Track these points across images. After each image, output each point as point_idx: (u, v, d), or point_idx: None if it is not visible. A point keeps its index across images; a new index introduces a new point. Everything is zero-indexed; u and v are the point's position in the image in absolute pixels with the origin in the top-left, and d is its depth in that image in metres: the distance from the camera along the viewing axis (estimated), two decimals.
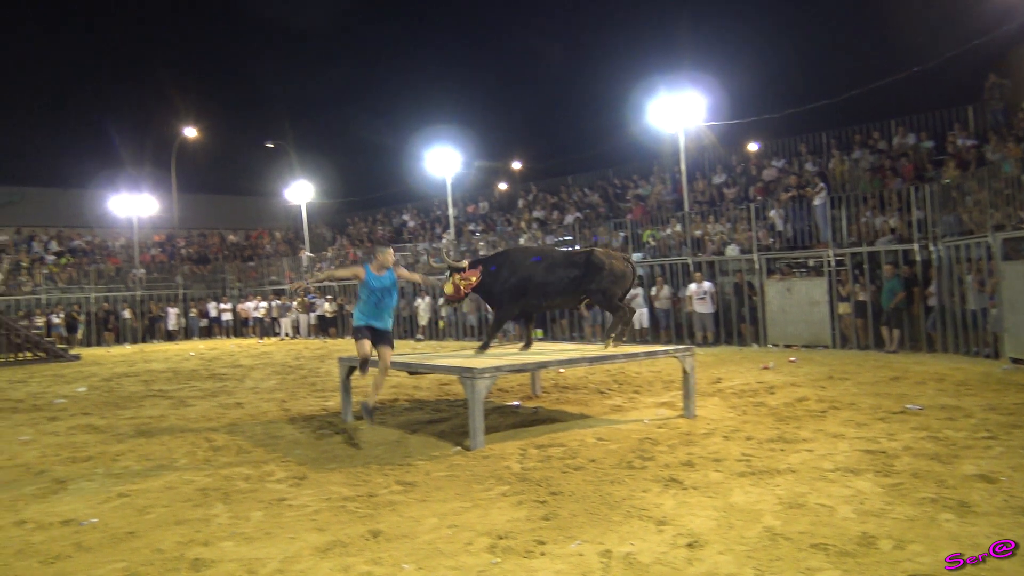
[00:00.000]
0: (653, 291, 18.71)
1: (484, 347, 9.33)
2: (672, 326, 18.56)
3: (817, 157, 21.26)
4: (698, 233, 19.25)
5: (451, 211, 28.52)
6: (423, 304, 24.41)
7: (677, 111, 20.39)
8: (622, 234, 21.18)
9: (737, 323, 17.72)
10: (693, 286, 17.79)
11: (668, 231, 20.12)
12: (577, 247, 20.22)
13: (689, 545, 4.48)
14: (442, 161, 28.07)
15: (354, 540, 4.84)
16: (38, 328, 25.13)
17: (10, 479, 6.90)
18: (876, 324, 15.28)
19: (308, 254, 32.82)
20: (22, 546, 4.98)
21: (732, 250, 18.29)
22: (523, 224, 26.24)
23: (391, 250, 7.98)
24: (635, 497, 5.51)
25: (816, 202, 17.00)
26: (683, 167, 20.77)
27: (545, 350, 9.55)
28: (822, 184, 17.20)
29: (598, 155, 32.83)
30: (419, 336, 24.19)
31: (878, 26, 29.74)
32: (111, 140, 42.87)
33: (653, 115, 21.06)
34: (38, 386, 14.90)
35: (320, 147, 46.33)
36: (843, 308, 15.88)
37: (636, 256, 20.44)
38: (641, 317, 18.83)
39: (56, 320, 27.54)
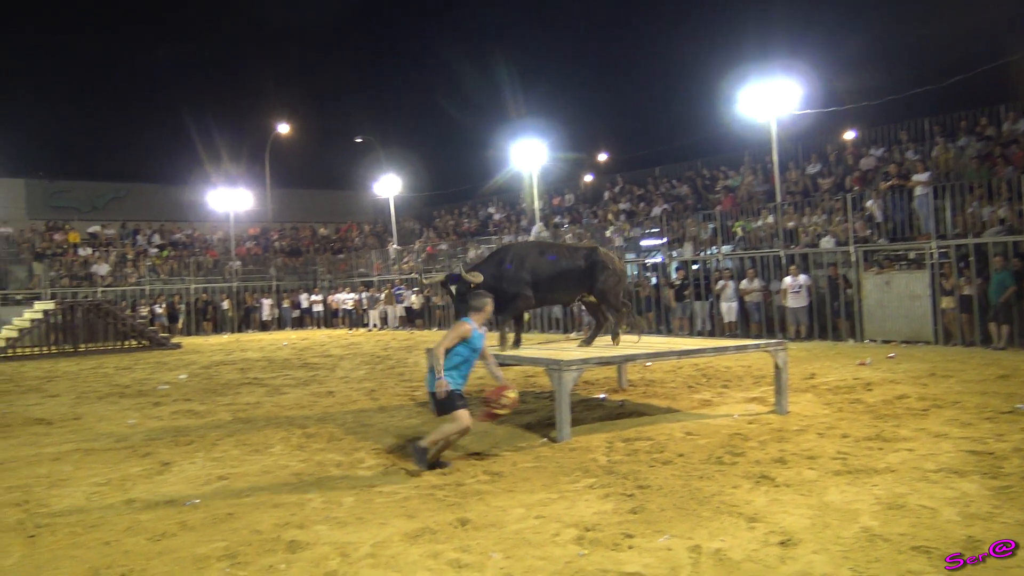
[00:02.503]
0: (744, 284, 18.28)
1: (516, 342, 9.17)
2: (763, 320, 18.10)
3: (919, 145, 20.32)
4: (791, 225, 18.69)
5: (536, 204, 28.51)
6: None
7: (769, 99, 19.81)
8: (711, 226, 20.76)
9: (832, 317, 17.14)
10: (788, 279, 17.29)
11: (759, 223, 19.61)
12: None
13: (782, 543, 4.37)
14: (527, 154, 28.08)
15: (443, 527, 4.91)
16: (142, 318, 26.40)
17: (119, 460, 7.29)
18: (983, 319, 14.52)
19: (396, 247, 33.42)
20: (131, 523, 5.26)
21: (827, 242, 17.69)
22: (609, 216, 26.02)
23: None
24: (725, 493, 5.41)
25: (918, 192, 16.26)
26: (775, 157, 20.17)
27: (632, 343, 9.47)
28: (925, 173, 16.44)
29: (687, 145, 32.25)
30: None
31: (985, 6, 28.14)
32: (210, 138, 44.68)
33: (744, 104, 20.52)
34: (142, 373, 15.69)
35: (407, 141, 47.18)
36: (946, 302, 15.15)
37: (725, 248, 20.02)
38: (730, 310, 18.44)
39: (159, 310, 28.89)
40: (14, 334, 21.13)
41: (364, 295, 31.00)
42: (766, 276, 18.44)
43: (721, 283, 18.73)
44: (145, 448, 7.80)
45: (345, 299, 31.60)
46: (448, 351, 6.34)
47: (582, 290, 9.20)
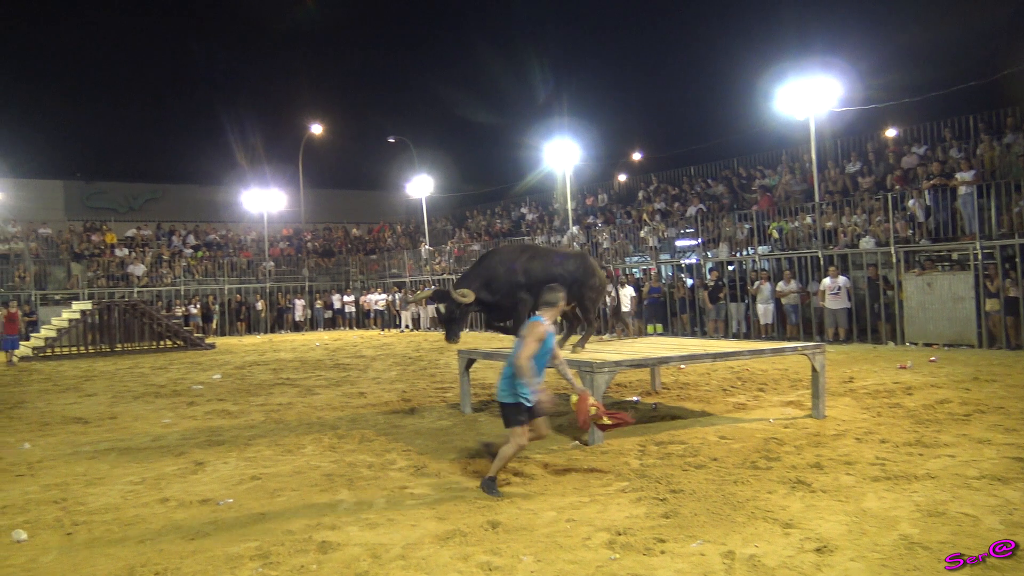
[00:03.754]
0: (780, 285, 18.02)
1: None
2: (800, 322, 17.83)
3: (963, 142, 19.84)
4: (829, 225, 18.38)
5: (569, 204, 28.42)
6: None
7: (808, 96, 19.49)
8: (747, 226, 20.51)
9: (871, 320, 16.82)
10: (827, 280, 17.00)
11: (796, 223, 19.32)
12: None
13: (818, 550, 4.31)
14: (560, 153, 28.00)
15: (473, 530, 4.90)
16: (177, 318, 26.75)
17: (154, 459, 7.40)
18: None
19: (428, 247, 33.54)
20: (166, 522, 5.34)
21: (867, 242, 17.37)
22: (644, 216, 25.85)
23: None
24: (760, 498, 5.34)
25: (962, 191, 15.89)
26: (813, 155, 19.85)
27: (666, 345, 9.37)
28: (969, 171, 16.05)
29: (723, 144, 31.77)
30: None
31: None
32: (244, 138, 45.25)
33: (782, 101, 20.21)
34: (177, 372, 15.92)
35: (440, 141, 47.29)
36: (991, 305, 14.78)
37: (762, 249, 19.76)
38: (766, 312, 18.20)
39: (193, 310, 29.29)
40: (53, 334, 21.55)
41: (396, 296, 31.16)
42: (803, 277, 18.17)
43: (757, 284, 18.49)
44: (180, 447, 7.91)
45: (377, 300, 31.79)
46: (531, 358, 5.68)
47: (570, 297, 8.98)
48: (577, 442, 7.38)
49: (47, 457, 7.65)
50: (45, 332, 21.94)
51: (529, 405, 5.76)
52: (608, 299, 9.70)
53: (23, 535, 5.08)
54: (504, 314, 8.77)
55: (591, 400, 6.25)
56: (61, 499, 5.98)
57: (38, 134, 40.48)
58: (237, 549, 4.71)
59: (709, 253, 21.31)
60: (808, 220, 18.97)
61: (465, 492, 5.80)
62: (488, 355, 9.86)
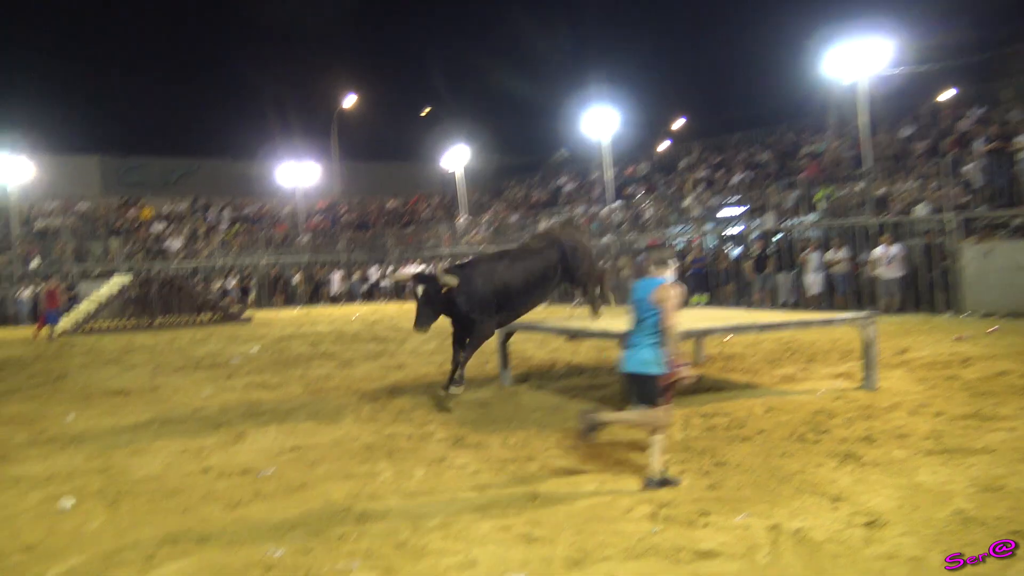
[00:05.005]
0: (830, 254, 17.56)
1: (456, 382, 7.98)
2: (850, 292, 17.38)
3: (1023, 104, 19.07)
4: (881, 192, 17.83)
5: (608, 173, 28.05)
6: None
7: (857, 58, 18.86)
8: (794, 194, 20.03)
9: (926, 289, 16.32)
10: (879, 249, 16.49)
11: (846, 190, 18.78)
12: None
13: (868, 524, 4.21)
14: (599, 121, 27.60)
15: (513, 502, 4.87)
16: (215, 292, 27.11)
17: (195, 431, 7.47)
18: None
19: (465, 219, 33.45)
20: (207, 492, 5.38)
21: (921, 209, 16.81)
22: (687, 185, 25.43)
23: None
24: (807, 472, 5.22)
25: (1022, 155, 15.26)
26: (864, 119, 19.24)
27: (710, 316, 9.17)
28: None
29: (769, 110, 30.94)
30: (577, 301, 24.09)
31: None
32: (278, 111, 45.45)
33: (830, 64, 19.61)
34: (216, 345, 16.11)
35: (476, 111, 46.75)
36: None
37: (810, 217, 19.28)
38: (815, 282, 17.78)
39: (230, 284, 29.69)
40: (93, 308, 21.96)
41: (433, 268, 31.17)
42: (854, 246, 17.66)
43: (805, 254, 18.05)
44: (220, 419, 7.98)
45: (414, 272, 31.80)
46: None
47: (560, 282, 8.78)
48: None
49: (91, 428, 7.79)
50: (85, 306, 22.29)
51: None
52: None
53: (70, 503, 5.17)
54: (464, 330, 8.20)
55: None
56: (105, 468, 6.07)
57: (74, 110, 41.13)
58: (278, 519, 4.73)
59: (754, 222, 20.88)
60: (858, 187, 18.43)
61: (504, 464, 5.75)
62: (528, 327, 9.78)
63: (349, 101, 40.27)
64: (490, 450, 6.19)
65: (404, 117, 46.70)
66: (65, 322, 20.84)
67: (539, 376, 9.86)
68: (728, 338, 12.45)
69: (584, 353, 11.79)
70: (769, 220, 20.34)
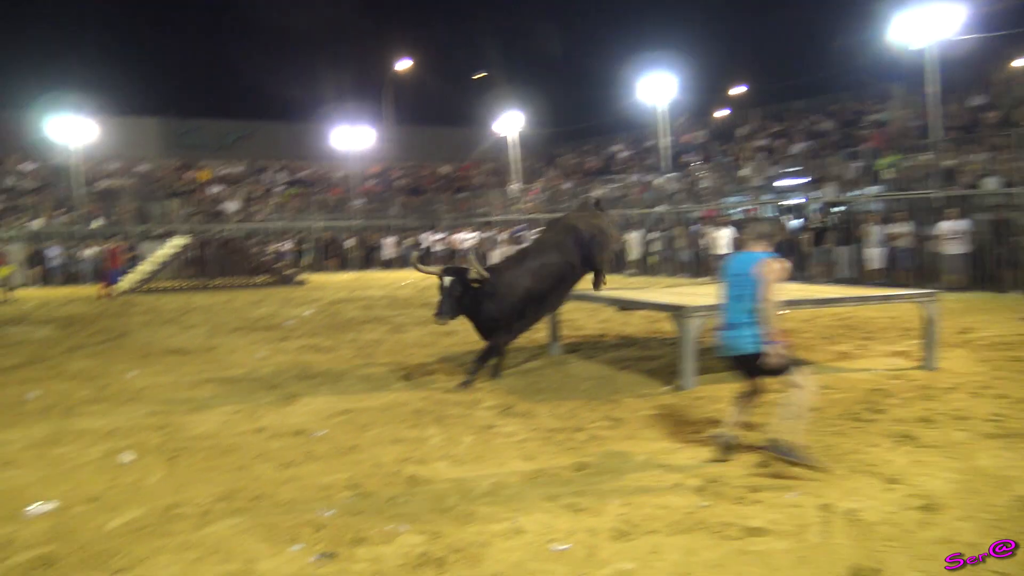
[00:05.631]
0: (892, 228, 17.04)
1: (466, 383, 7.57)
2: (912, 268, 16.87)
3: None
4: (949, 163, 17.18)
5: (664, 140, 27.57)
6: (634, 238, 24.03)
7: (926, 23, 18.09)
8: (857, 164, 19.44)
9: (993, 267, 15.74)
10: (945, 224, 15.92)
11: (911, 161, 18.15)
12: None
13: (923, 507, 4.13)
14: (656, 87, 27.09)
15: (560, 471, 4.88)
16: (269, 254, 27.51)
17: (250, 391, 7.63)
18: None
19: (517, 185, 33.28)
20: (261, 451, 5.51)
21: (991, 183, 16.16)
22: (745, 154, 24.90)
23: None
24: (862, 451, 5.13)
25: None
26: (932, 88, 18.52)
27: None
28: None
29: (831, 77, 29.90)
30: (629, 271, 23.94)
31: None
32: (333, 74, 45.50)
33: (897, 29, 18.87)
34: (270, 308, 16.39)
35: (530, 76, 46.12)
36: None
37: (873, 189, 18.70)
38: (875, 257, 17.30)
39: (285, 247, 30.06)
40: (152, 268, 22.51)
41: (484, 235, 31.10)
42: (918, 220, 17.09)
43: (866, 227, 17.55)
44: (273, 380, 8.14)
45: (466, 239, 31.84)
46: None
47: (581, 276, 8.39)
48: (669, 387, 7.21)
49: (150, 385, 8.02)
50: (145, 266, 22.84)
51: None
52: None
53: (130, 457, 5.34)
54: (481, 332, 7.82)
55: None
56: (164, 425, 6.25)
57: (135, 73, 41.79)
58: (329, 479, 4.82)
59: (814, 193, 20.36)
60: (924, 158, 17.79)
61: (552, 433, 5.75)
62: (579, 297, 9.72)
63: (403, 65, 40.18)
64: (538, 419, 6.20)
65: (458, 82, 46.25)
66: (126, 282, 21.44)
67: (589, 347, 9.83)
68: (783, 313, 12.21)
69: (635, 324, 11.71)
70: (830, 191, 19.82)
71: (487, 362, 7.75)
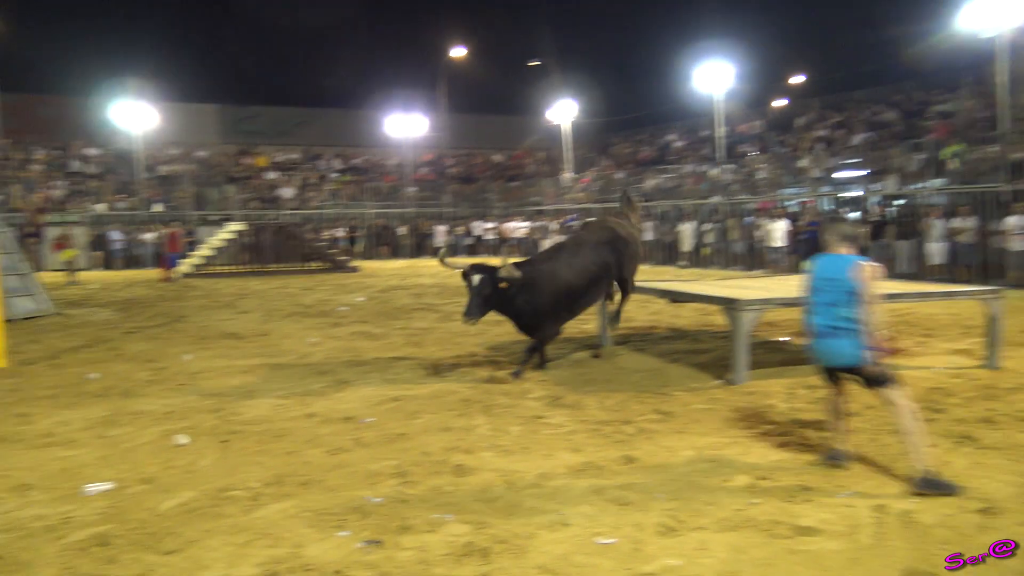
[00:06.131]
0: (955, 222, 16.49)
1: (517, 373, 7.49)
2: (975, 264, 16.32)
3: None
4: (1018, 156, 16.54)
5: (720, 130, 27.12)
6: (687, 229, 23.72)
7: (997, 10, 17.40)
8: (920, 156, 18.85)
9: None
10: (1013, 219, 15.34)
11: (977, 153, 17.52)
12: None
13: (982, 511, 4.01)
14: (712, 76, 26.61)
15: (608, 464, 4.84)
16: (323, 241, 27.86)
17: (301, 376, 7.74)
18: None
19: (569, 174, 33.10)
20: (311, 436, 5.58)
21: None
22: (803, 145, 24.36)
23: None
24: None
25: None
26: (1001, 77, 17.83)
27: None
28: None
29: (894, 65, 28.96)
30: (682, 263, 23.66)
31: None
32: (387, 62, 45.73)
33: (965, 15, 18.19)
34: (323, 294, 16.61)
35: (584, 64, 45.57)
36: None
37: (936, 182, 18.11)
38: (937, 251, 16.78)
39: (339, 233, 30.38)
40: (210, 252, 23.01)
41: (536, 224, 31.02)
42: (983, 214, 16.51)
43: (929, 220, 17.02)
44: (325, 366, 8.24)
45: (518, 227, 31.83)
46: None
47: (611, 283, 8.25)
48: (721, 382, 7.11)
49: (205, 369, 8.20)
50: (203, 251, 23.38)
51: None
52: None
53: (184, 439, 5.47)
54: (524, 328, 7.67)
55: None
56: (218, 408, 6.39)
57: (195, 61, 42.53)
58: (377, 467, 4.86)
59: (875, 185, 19.81)
60: (992, 150, 17.15)
61: (600, 425, 5.71)
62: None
63: (457, 52, 40.26)
64: (587, 411, 6.17)
65: (512, 70, 46.08)
66: (184, 265, 21.97)
67: (639, 338, 9.74)
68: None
69: (687, 317, 11.57)
70: (891, 184, 19.27)
71: (536, 354, 7.67)
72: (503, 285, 7.17)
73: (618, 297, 8.56)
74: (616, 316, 8.60)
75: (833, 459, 4.78)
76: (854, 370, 4.63)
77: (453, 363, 8.23)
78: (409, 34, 55.40)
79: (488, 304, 7.21)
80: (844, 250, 4.79)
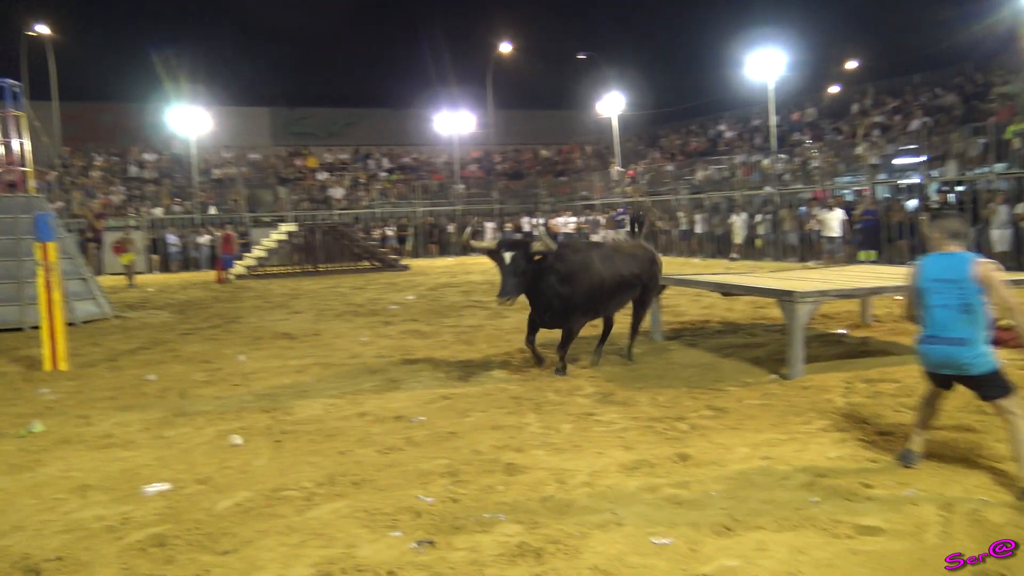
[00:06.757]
0: (1020, 208, 15.90)
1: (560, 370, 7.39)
2: None
3: None
4: None
5: (772, 119, 26.58)
6: (739, 221, 23.33)
7: None
8: (982, 140, 18.21)
9: None
10: None
11: None
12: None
13: None
14: (763, 64, 26.09)
15: (661, 461, 4.75)
16: (374, 240, 28.09)
17: (353, 375, 7.80)
18: None
19: (618, 168, 32.82)
20: (363, 435, 5.60)
21: None
22: (859, 131, 23.74)
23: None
24: (986, 447, 4.78)
25: None
26: None
27: (879, 274, 8.55)
28: None
29: (954, 46, 27.99)
30: (734, 255, 23.28)
31: None
32: (434, 60, 45.90)
33: None
34: (374, 293, 16.74)
35: (632, 56, 45.14)
36: None
37: (999, 167, 17.48)
38: (1001, 238, 16.20)
39: (389, 232, 30.62)
40: (263, 254, 23.40)
41: (585, 219, 30.81)
42: None
43: (992, 206, 16.44)
44: (376, 365, 8.28)
45: (567, 222, 31.68)
46: None
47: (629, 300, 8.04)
48: (776, 376, 6.95)
49: (259, 369, 8.31)
50: (257, 252, 23.79)
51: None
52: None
53: (239, 440, 5.53)
54: (548, 316, 7.39)
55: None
56: (271, 409, 6.45)
57: (246, 64, 43.38)
58: (428, 466, 4.84)
59: (934, 172, 19.21)
60: None
61: (653, 423, 5.62)
62: (681, 282, 9.50)
63: (505, 48, 40.27)
64: (638, 407, 6.08)
65: (559, 64, 45.92)
66: (239, 267, 22.40)
67: (692, 333, 9.59)
68: (899, 298, 11.60)
69: (740, 310, 11.36)
70: (951, 169, 18.66)
71: (568, 348, 7.48)
72: (537, 258, 6.95)
73: (629, 322, 8.23)
74: (600, 348, 8.13)
75: (905, 460, 4.57)
76: (974, 379, 4.31)
77: (504, 360, 8.20)
78: (456, 31, 55.61)
79: (523, 282, 6.95)
80: (954, 248, 4.39)
